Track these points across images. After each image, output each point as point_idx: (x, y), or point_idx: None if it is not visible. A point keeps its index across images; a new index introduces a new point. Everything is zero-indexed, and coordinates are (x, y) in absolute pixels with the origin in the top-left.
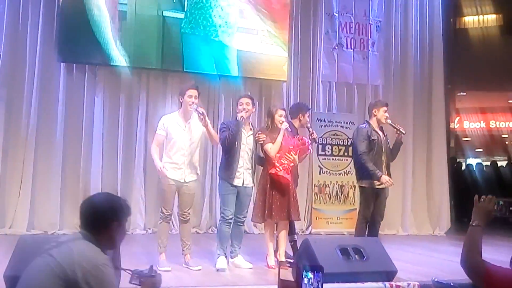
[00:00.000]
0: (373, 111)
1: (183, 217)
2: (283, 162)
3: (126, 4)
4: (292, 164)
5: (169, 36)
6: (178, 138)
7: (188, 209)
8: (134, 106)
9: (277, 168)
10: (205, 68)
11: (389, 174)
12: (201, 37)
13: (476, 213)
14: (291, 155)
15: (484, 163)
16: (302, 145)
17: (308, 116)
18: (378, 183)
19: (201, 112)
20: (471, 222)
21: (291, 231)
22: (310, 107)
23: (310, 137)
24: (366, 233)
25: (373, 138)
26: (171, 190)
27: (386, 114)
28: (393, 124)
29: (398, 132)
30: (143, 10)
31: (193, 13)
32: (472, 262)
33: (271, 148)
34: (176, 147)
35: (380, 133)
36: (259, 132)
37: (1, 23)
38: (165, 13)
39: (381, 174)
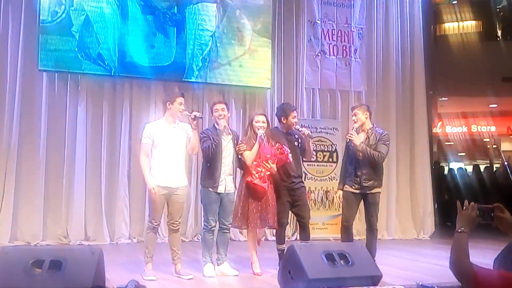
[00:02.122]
0: None
1: (173, 226)
2: (259, 170)
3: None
4: (268, 172)
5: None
6: (164, 142)
7: (179, 218)
8: (117, 115)
9: (252, 176)
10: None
11: (366, 181)
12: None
13: (461, 221)
14: (268, 163)
15: (467, 167)
16: (280, 154)
17: (294, 117)
18: (351, 188)
19: (199, 116)
20: (456, 229)
21: (281, 240)
22: (294, 107)
23: (303, 135)
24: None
25: (347, 143)
26: (161, 201)
27: (353, 118)
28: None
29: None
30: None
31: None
32: (460, 265)
33: (247, 156)
34: (162, 151)
35: (360, 136)
36: (240, 142)
37: None
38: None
39: (339, 187)
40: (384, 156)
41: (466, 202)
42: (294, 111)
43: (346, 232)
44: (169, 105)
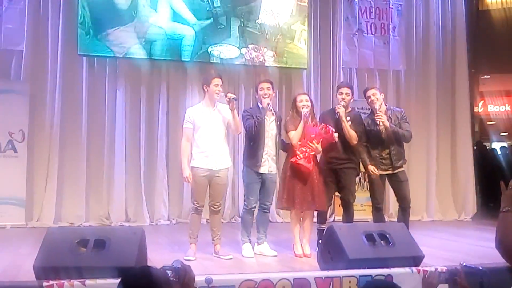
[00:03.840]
0: (365, 98)
1: (214, 208)
2: (304, 150)
3: None
4: (313, 153)
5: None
6: (204, 125)
7: (220, 200)
8: (155, 98)
9: (297, 156)
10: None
11: (397, 160)
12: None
13: (505, 200)
14: (313, 143)
15: (510, 147)
16: (325, 133)
17: (340, 94)
18: (379, 170)
19: (233, 98)
20: (501, 209)
21: (322, 220)
22: (343, 84)
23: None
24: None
25: (369, 127)
26: (203, 183)
27: (371, 98)
28: (374, 111)
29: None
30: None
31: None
32: (508, 243)
33: (293, 136)
34: (203, 134)
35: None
36: (284, 122)
37: (22, 19)
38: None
39: (367, 163)
40: (412, 134)
41: (511, 182)
42: (342, 88)
43: (379, 214)
44: (206, 88)
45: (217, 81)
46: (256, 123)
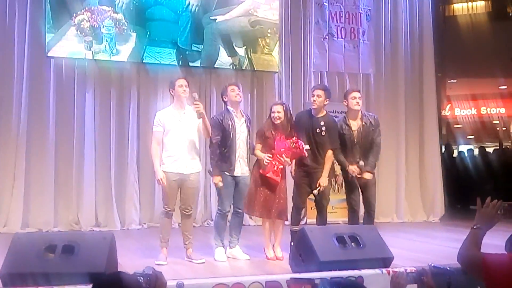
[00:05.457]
0: (344, 102)
1: (186, 212)
2: (273, 163)
3: None
4: (281, 166)
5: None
6: (174, 128)
7: (191, 204)
8: (125, 101)
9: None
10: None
11: (368, 164)
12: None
13: (479, 218)
14: (282, 157)
15: (476, 150)
16: (295, 148)
17: (312, 96)
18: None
19: (196, 98)
20: (473, 226)
21: (295, 222)
22: (314, 87)
23: None
24: (361, 222)
25: (343, 132)
26: (173, 187)
27: (355, 101)
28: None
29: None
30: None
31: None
32: (468, 255)
33: (258, 156)
34: (173, 138)
35: (355, 123)
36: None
37: None
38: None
39: (346, 165)
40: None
41: (488, 199)
42: (314, 90)
43: (355, 215)
44: (172, 92)
45: (181, 81)
46: (228, 131)
